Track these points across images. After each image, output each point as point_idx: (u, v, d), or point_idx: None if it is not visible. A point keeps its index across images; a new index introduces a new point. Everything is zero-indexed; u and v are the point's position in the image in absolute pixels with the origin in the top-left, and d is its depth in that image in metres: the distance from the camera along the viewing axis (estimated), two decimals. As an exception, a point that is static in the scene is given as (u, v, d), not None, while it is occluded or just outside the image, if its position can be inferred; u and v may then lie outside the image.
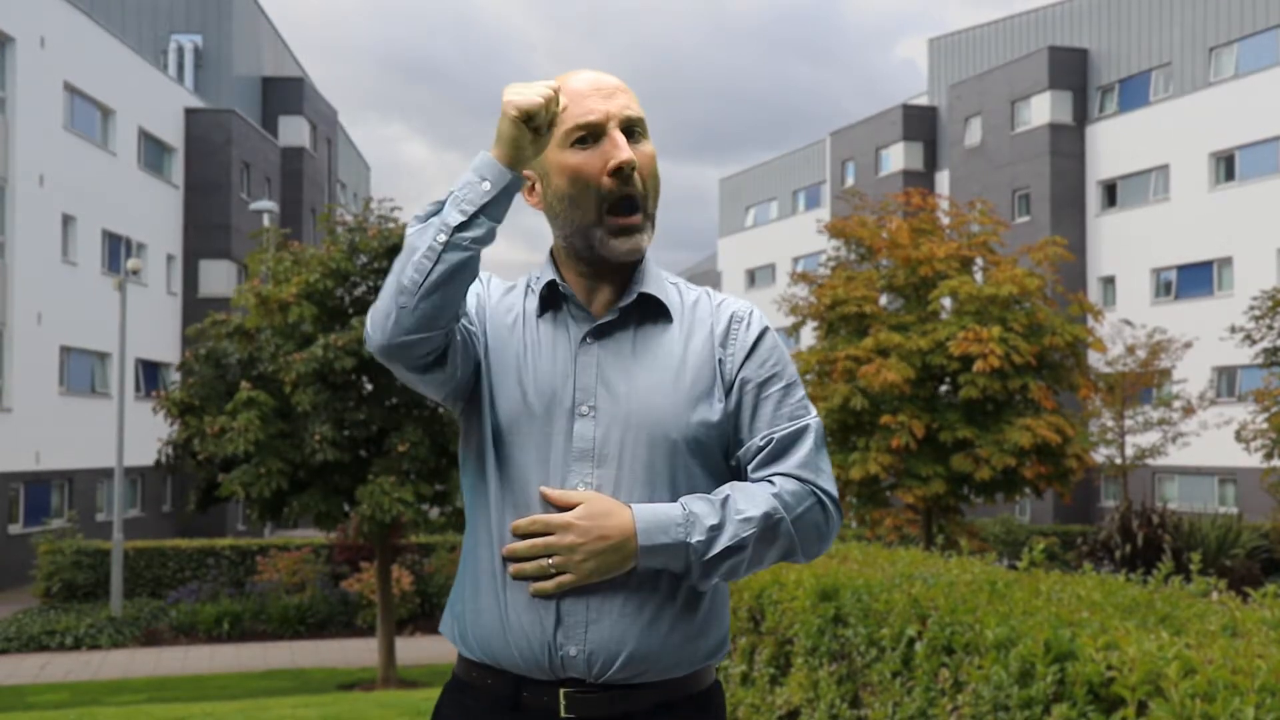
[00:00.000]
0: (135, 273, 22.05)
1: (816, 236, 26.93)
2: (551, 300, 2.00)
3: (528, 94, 1.79)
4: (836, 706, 4.85)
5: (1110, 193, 34.71)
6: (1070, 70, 35.32)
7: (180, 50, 36.18)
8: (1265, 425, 20.96)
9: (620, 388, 1.93)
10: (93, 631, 16.70)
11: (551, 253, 2.04)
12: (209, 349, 13.16)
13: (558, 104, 1.83)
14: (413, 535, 16.62)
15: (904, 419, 15.93)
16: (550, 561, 1.85)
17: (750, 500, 1.88)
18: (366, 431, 12.61)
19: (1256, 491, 26.14)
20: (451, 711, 1.99)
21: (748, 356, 1.98)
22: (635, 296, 1.97)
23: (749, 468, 1.95)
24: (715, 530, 1.85)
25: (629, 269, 2.00)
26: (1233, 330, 21.88)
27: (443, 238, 1.79)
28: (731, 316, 2.01)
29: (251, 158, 34.79)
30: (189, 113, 33.15)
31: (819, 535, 1.94)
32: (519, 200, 1.96)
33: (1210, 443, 27.51)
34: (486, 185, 1.82)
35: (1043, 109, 35.27)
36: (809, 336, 19.64)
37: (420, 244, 1.80)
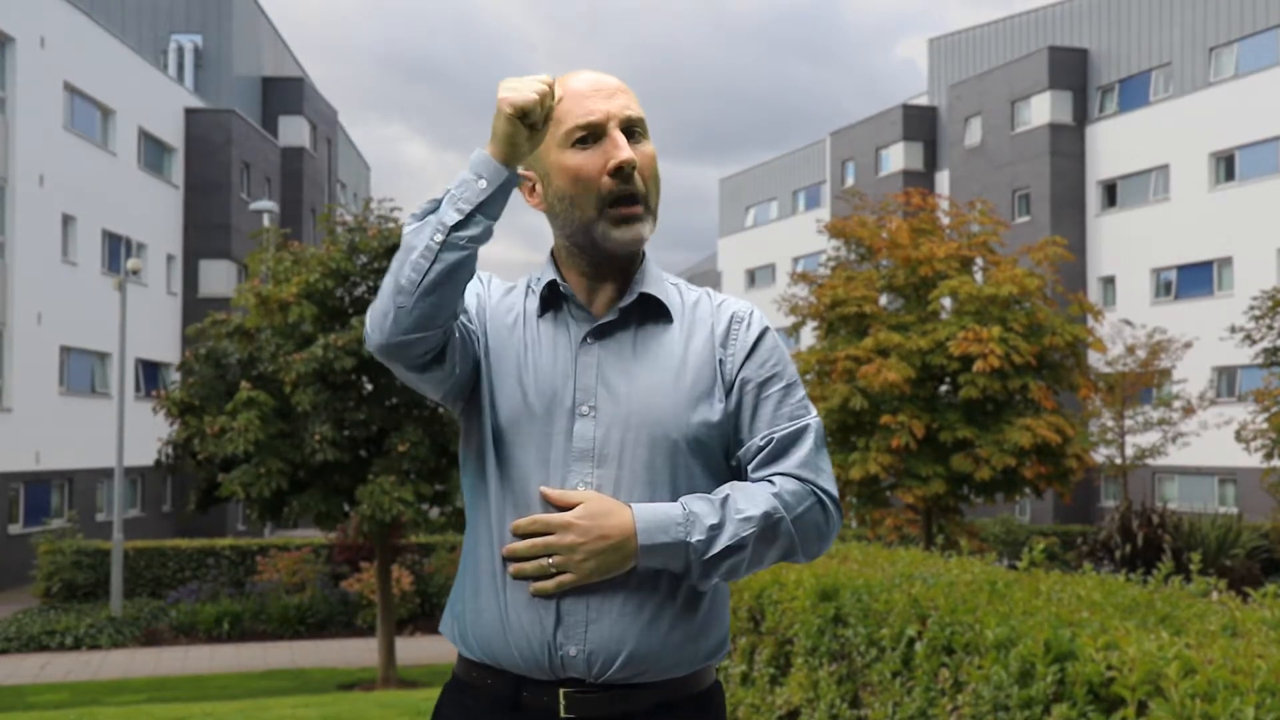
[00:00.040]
0: (135, 273, 22.05)
1: (816, 236, 26.94)
2: (552, 300, 2.00)
3: (522, 90, 1.79)
4: (836, 706, 4.85)
5: (1110, 193, 34.72)
6: (1070, 70, 35.33)
7: (180, 50, 36.19)
8: (1265, 425, 20.96)
9: (621, 388, 1.93)
10: (93, 631, 16.71)
11: (552, 253, 2.04)
12: (209, 349, 13.16)
13: (553, 98, 1.83)
14: (413, 535, 16.62)
15: (904, 419, 15.93)
16: (550, 561, 1.85)
17: (750, 500, 1.88)
18: (366, 431, 12.61)
19: (1256, 491, 26.14)
20: (451, 711, 1.99)
21: (748, 357, 1.98)
22: (636, 296, 1.97)
23: (749, 468, 1.95)
24: (715, 530, 1.85)
25: (629, 269, 1.99)
26: (1233, 330, 21.88)
27: (440, 237, 1.79)
28: (732, 317, 2.01)
29: (251, 158, 34.79)
30: (189, 113, 33.16)
31: (819, 535, 1.94)
32: (518, 200, 1.96)
33: (1210, 443, 27.52)
34: (483, 183, 1.82)
35: (1043, 109, 35.28)
36: (809, 336, 19.64)
37: (417, 243, 1.80)
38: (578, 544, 1.83)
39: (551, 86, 1.82)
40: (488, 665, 1.93)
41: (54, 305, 25.65)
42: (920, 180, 40.73)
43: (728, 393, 1.96)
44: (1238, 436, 21.81)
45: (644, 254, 2.02)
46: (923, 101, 43.76)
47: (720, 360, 1.97)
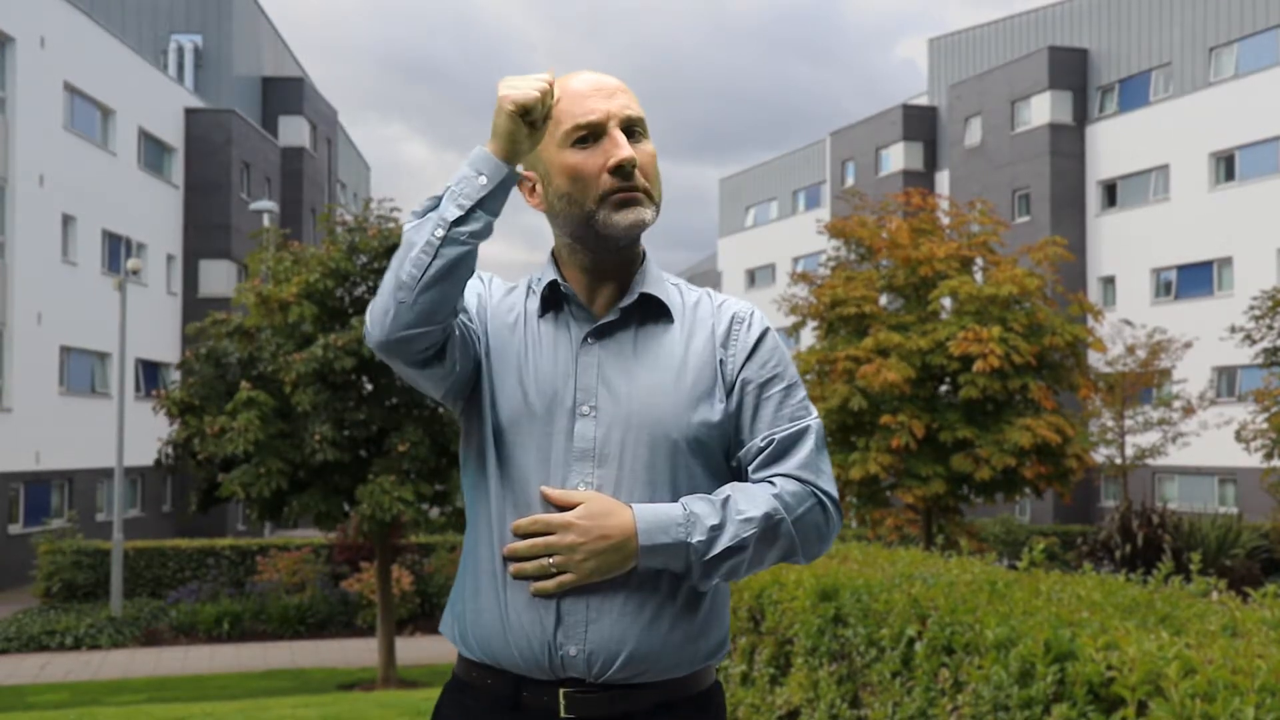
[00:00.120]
0: (135, 273, 22.05)
1: (816, 236, 26.93)
2: (553, 300, 2.00)
3: (523, 88, 1.80)
4: (836, 706, 4.85)
5: (1110, 193, 34.72)
6: (1070, 70, 35.33)
7: (180, 50, 36.19)
8: (1265, 425, 20.96)
9: (621, 388, 1.93)
10: (93, 631, 16.71)
11: (553, 253, 2.04)
12: (209, 348, 13.15)
13: (553, 96, 1.83)
14: (413, 535, 16.63)
15: (904, 419, 15.93)
16: (551, 561, 1.85)
17: (751, 501, 1.88)
18: (366, 431, 12.61)
19: (1256, 491, 26.14)
20: (451, 711, 1.99)
21: (749, 357, 1.98)
22: (636, 297, 1.97)
23: (750, 468, 1.95)
24: (716, 530, 1.85)
25: (630, 269, 2.00)
26: (1233, 330, 21.89)
27: (440, 232, 1.80)
28: (733, 317, 2.01)
29: (251, 158, 34.80)
30: (189, 113, 33.16)
31: (819, 536, 1.94)
32: (518, 200, 1.96)
33: (1210, 443, 27.52)
34: (483, 180, 1.82)
35: (1043, 109, 35.28)
36: (809, 337, 19.64)
37: (418, 239, 1.81)
38: (578, 544, 1.83)
39: (552, 85, 1.83)
40: (488, 665, 1.93)
41: (54, 305, 25.65)
42: (920, 180, 40.73)
43: (728, 393, 1.96)
44: (1238, 436, 21.81)
45: (644, 254, 2.03)
46: (923, 101, 43.76)
47: (721, 361, 1.98)
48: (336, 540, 18.94)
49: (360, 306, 12.82)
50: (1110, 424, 25.58)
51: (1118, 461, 25.71)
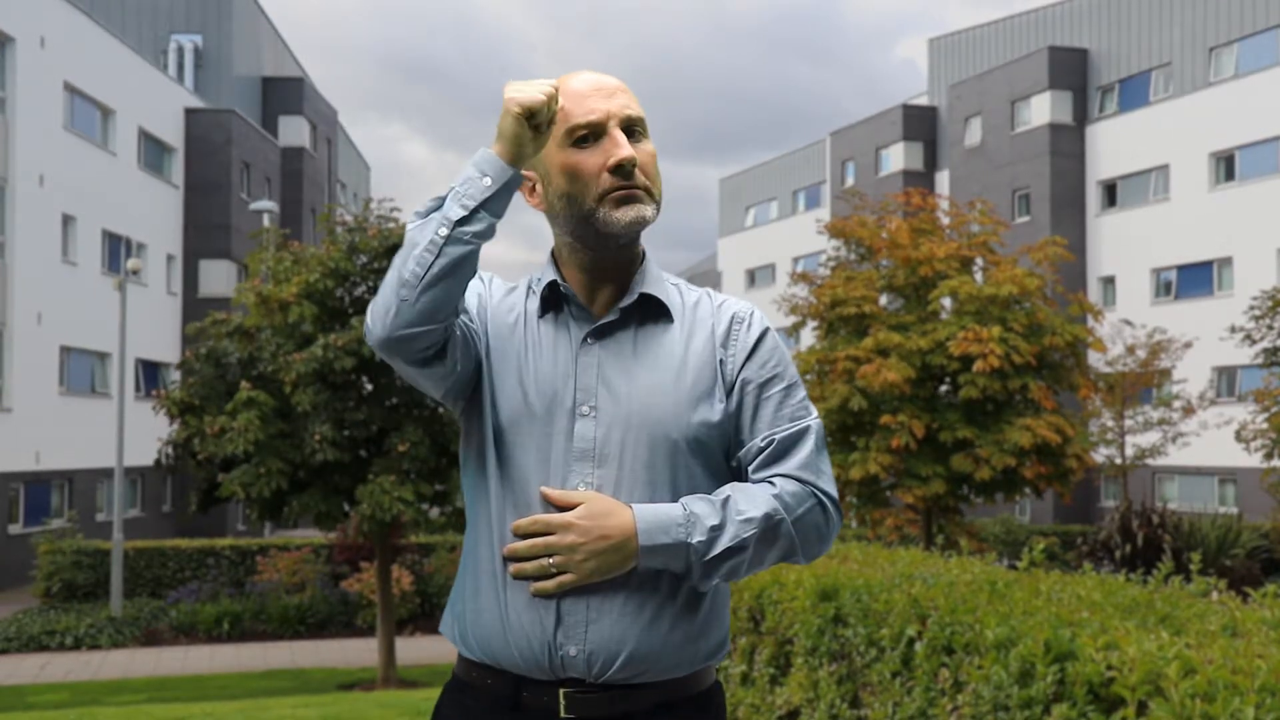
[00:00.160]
0: (135, 273, 22.05)
1: (816, 236, 26.94)
2: (553, 301, 2.00)
3: (530, 91, 1.81)
4: (836, 706, 4.85)
5: (1110, 193, 34.72)
6: (1070, 70, 35.33)
7: (180, 50, 36.19)
8: (1265, 425, 20.96)
9: (621, 388, 1.93)
10: (93, 631, 16.70)
11: (552, 253, 2.04)
12: (209, 348, 13.15)
13: (558, 102, 1.85)
14: (413, 535, 16.62)
15: (904, 419, 15.93)
16: (551, 561, 1.85)
17: (751, 501, 1.88)
18: (366, 431, 12.61)
19: (1256, 491, 26.15)
20: (451, 711, 1.99)
21: (749, 357, 1.98)
22: (636, 297, 1.97)
23: (749, 468, 1.95)
24: (716, 531, 1.85)
25: (630, 269, 2.00)
26: (1233, 330, 21.89)
27: (444, 231, 1.81)
28: (733, 317, 2.01)
29: (251, 158, 34.80)
30: (189, 113, 33.16)
31: (819, 536, 1.94)
32: (519, 200, 1.97)
33: (1210, 443, 27.52)
34: (488, 181, 1.83)
35: (1043, 109, 35.28)
36: (809, 337, 19.64)
37: (421, 238, 1.82)
38: (578, 544, 1.83)
39: (557, 90, 1.84)
40: (488, 665, 1.93)
41: (54, 305, 25.65)
42: (920, 180, 40.73)
43: (728, 393, 1.97)
44: (1238, 436, 21.82)
45: (644, 254, 2.03)
46: (923, 101, 43.76)
47: (721, 361, 1.98)
48: (336, 540, 18.94)
49: (360, 306, 12.82)
50: (1110, 424, 25.58)
51: (1118, 461, 25.71)
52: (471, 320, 1.97)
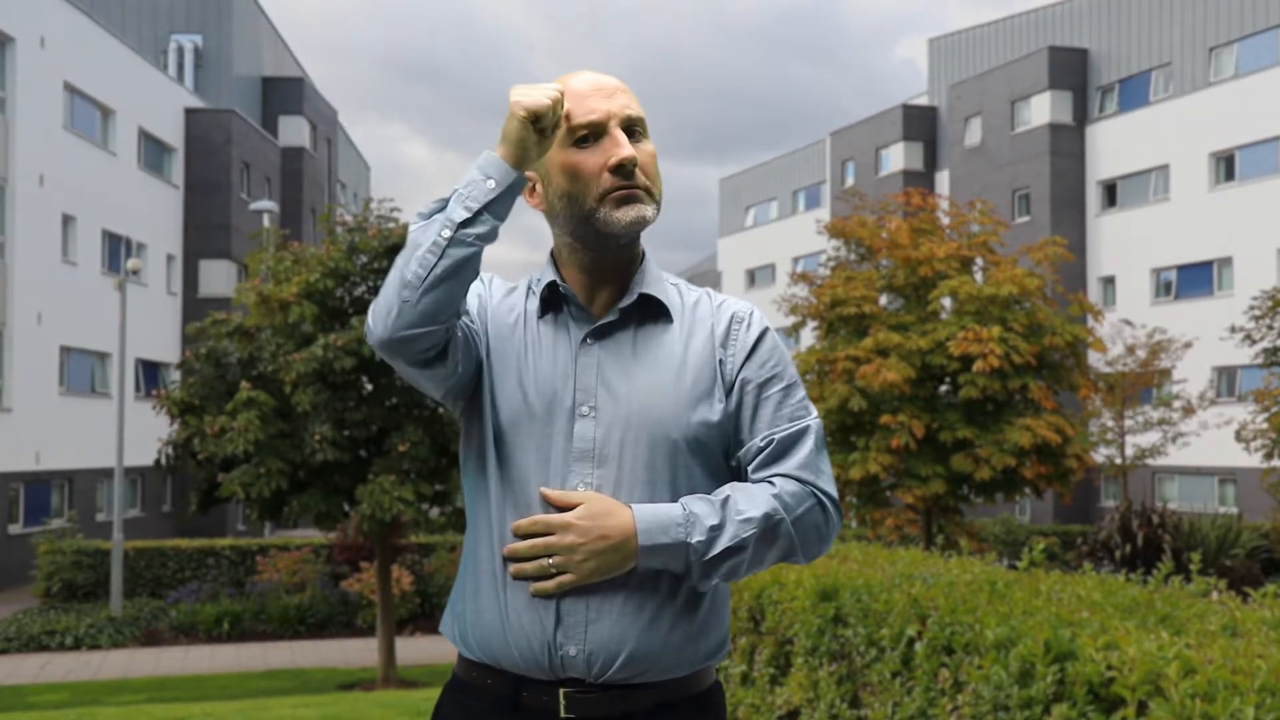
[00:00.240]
0: (135, 273, 22.05)
1: (816, 236, 26.94)
2: (552, 301, 2.00)
3: (535, 95, 1.81)
4: (836, 706, 4.85)
5: (1110, 193, 34.72)
6: (1070, 70, 35.33)
7: (180, 50, 36.19)
8: (1265, 425, 20.96)
9: (620, 388, 1.93)
10: (93, 631, 16.71)
11: (552, 254, 2.04)
12: (209, 348, 13.15)
13: (563, 107, 1.85)
14: (413, 535, 16.62)
15: (904, 419, 15.94)
16: (551, 561, 1.85)
17: (750, 501, 1.88)
18: (366, 431, 12.61)
19: (1256, 491, 26.15)
20: (451, 711, 1.99)
21: (748, 357, 1.98)
22: (636, 297, 1.97)
23: (749, 468, 1.95)
24: (716, 531, 1.85)
25: (630, 269, 2.00)
26: (1233, 330, 21.89)
27: (447, 233, 1.81)
28: (732, 317, 2.01)
29: (251, 158, 34.80)
30: (189, 113, 33.16)
31: (819, 536, 1.94)
32: (519, 200, 1.97)
33: (1210, 443, 27.52)
34: (491, 183, 1.83)
35: (1043, 109, 35.28)
36: (809, 337, 19.65)
37: (424, 240, 1.82)
38: (578, 544, 1.83)
39: (562, 95, 1.84)
40: (488, 665, 1.93)
41: (54, 305, 25.65)
42: (920, 180, 40.73)
43: (728, 393, 1.97)
44: (1238, 436, 21.82)
45: (644, 254, 2.03)
46: (923, 101, 43.76)
47: (720, 361, 1.98)
48: (336, 540, 18.94)
49: (360, 306, 12.82)
50: (1110, 424, 25.58)
51: (1118, 461, 25.71)
52: (472, 321, 1.97)
